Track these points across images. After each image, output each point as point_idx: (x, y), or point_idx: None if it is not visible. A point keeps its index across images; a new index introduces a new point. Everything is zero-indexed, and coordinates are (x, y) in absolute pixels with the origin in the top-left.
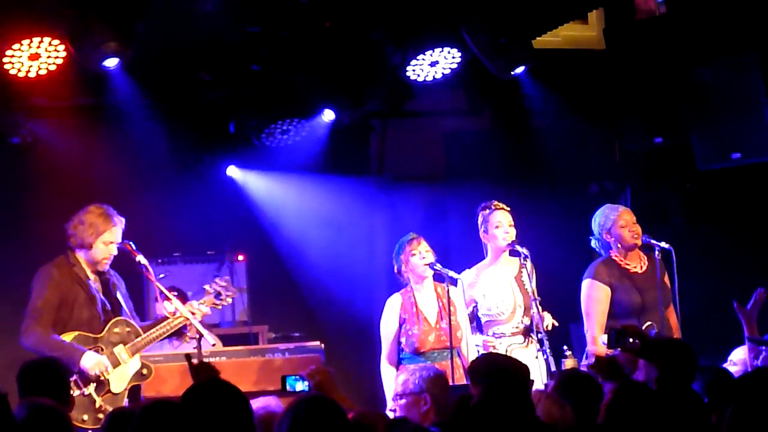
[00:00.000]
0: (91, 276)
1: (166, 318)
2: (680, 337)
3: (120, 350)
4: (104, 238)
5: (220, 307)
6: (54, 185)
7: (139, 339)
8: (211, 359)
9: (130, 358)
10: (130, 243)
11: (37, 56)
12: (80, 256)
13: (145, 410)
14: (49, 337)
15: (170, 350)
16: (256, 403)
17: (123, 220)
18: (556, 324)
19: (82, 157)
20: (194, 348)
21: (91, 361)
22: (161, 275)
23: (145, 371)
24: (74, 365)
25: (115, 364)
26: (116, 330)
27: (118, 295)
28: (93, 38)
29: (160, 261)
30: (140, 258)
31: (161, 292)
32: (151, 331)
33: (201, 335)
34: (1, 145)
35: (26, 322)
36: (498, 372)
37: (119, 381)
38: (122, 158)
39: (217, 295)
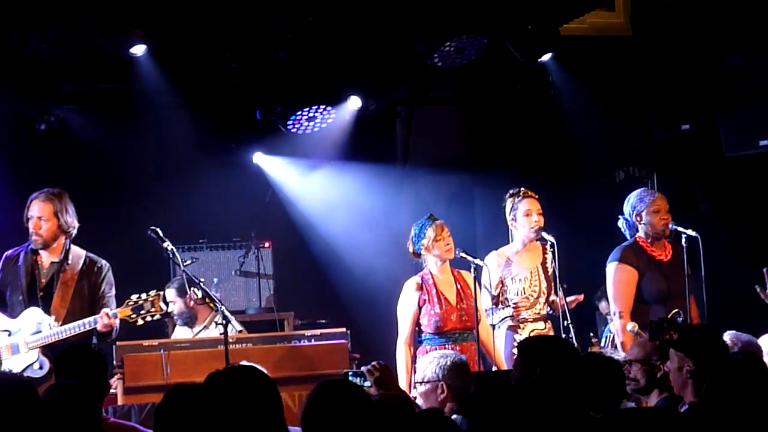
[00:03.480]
0: (46, 260)
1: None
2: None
3: (20, 340)
4: (27, 215)
5: (135, 321)
6: (80, 172)
7: (38, 333)
8: (238, 345)
9: (27, 351)
10: (157, 229)
11: (65, 43)
12: None
13: (169, 394)
14: None
15: (190, 335)
16: None
17: (43, 195)
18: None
19: (109, 143)
20: (220, 334)
21: None
22: (188, 261)
23: (36, 365)
24: None
25: (14, 353)
26: (26, 318)
27: (62, 285)
28: (120, 25)
29: (186, 248)
30: (167, 244)
31: (188, 279)
32: (57, 330)
33: (228, 321)
34: (28, 131)
35: None
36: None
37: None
38: (148, 145)
39: (137, 308)
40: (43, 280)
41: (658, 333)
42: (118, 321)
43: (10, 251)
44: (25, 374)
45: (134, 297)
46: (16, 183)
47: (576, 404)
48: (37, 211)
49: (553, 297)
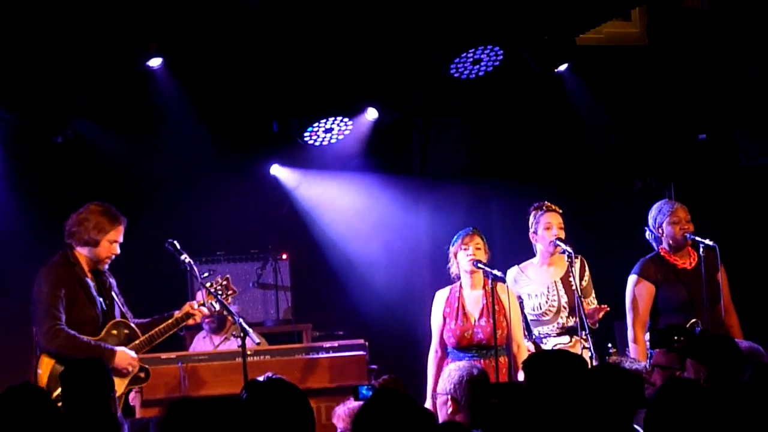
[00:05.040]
0: (89, 275)
1: (164, 317)
2: (741, 334)
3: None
4: (110, 237)
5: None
6: (97, 184)
7: (137, 341)
8: (256, 358)
9: None
10: (174, 242)
11: (82, 56)
12: (82, 253)
13: (171, 407)
14: (77, 338)
15: (210, 347)
16: None
17: (126, 220)
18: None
19: (126, 156)
20: (239, 347)
21: (124, 360)
22: (205, 274)
23: (142, 374)
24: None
25: None
26: (114, 332)
27: (114, 296)
28: (137, 38)
29: (204, 260)
30: (184, 257)
31: (205, 291)
32: (151, 333)
33: (246, 334)
34: (45, 144)
35: (47, 323)
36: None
37: (118, 384)
38: (165, 157)
39: (216, 293)
40: (98, 294)
41: (663, 341)
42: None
43: (53, 267)
44: (132, 385)
45: (208, 284)
46: (33, 195)
47: (589, 415)
48: (122, 235)
49: (571, 322)
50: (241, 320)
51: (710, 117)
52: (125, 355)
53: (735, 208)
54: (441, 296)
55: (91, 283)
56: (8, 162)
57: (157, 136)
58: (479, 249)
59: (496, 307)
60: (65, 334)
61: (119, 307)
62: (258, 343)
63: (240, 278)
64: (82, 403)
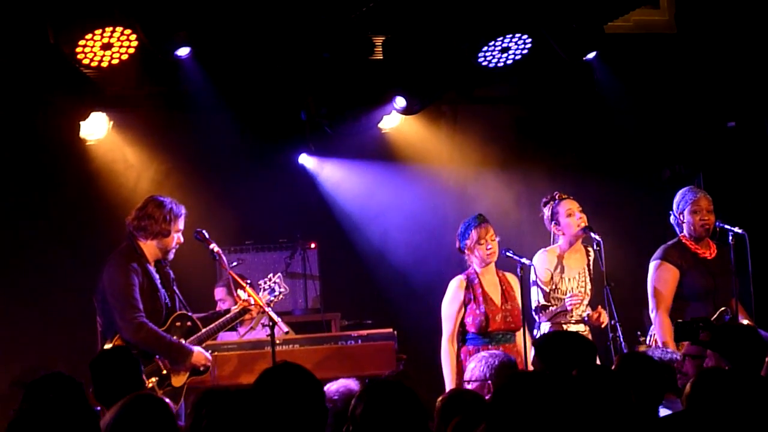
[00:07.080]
0: (152, 267)
1: (218, 312)
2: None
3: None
4: (177, 227)
5: (272, 304)
6: (125, 174)
7: (200, 333)
8: (285, 347)
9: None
10: (203, 231)
11: (110, 46)
12: (149, 245)
13: (203, 396)
14: (158, 333)
15: (236, 337)
16: (335, 385)
17: (184, 209)
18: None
19: (155, 145)
20: (267, 336)
21: (201, 359)
22: (234, 263)
23: (201, 368)
24: (181, 363)
25: None
26: (177, 323)
27: (174, 288)
28: (165, 27)
29: (232, 249)
30: (213, 246)
31: (234, 280)
32: (211, 326)
33: (274, 323)
34: (73, 134)
35: (129, 313)
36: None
37: (180, 375)
38: (194, 147)
39: (271, 290)
40: (162, 285)
41: (686, 334)
42: None
43: (123, 257)
44: (193, 376)
45: (261, 283)
46: (62, 186)
47: (610, 406)
48: (183, 225)
49: (589, 311)
50: (269, 309)
51: (739, 105)
52: (201, 355)
53: (764, 196)
54: (459, 283)
55: (156, 275)
56: (35, 153)
57: (185, 125)
58: (494, 240)
59: (513, 293)
60: (148, 328)
61: (179, 299)
62: (287, 332)
63: (268, 267)
64: (112, 392)
